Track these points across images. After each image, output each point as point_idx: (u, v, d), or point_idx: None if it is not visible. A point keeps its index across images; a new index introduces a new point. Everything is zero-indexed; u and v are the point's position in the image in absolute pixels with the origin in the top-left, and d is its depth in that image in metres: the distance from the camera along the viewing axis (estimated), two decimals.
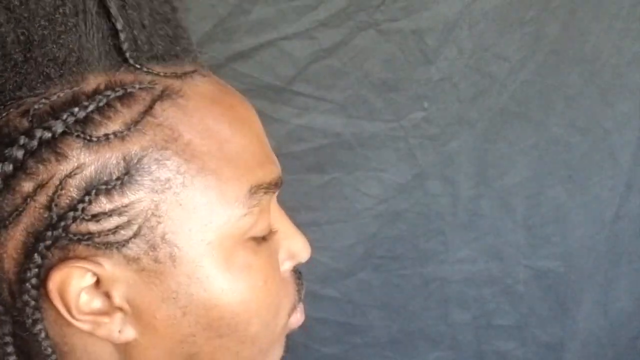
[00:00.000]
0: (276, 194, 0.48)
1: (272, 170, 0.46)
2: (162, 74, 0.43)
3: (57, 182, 0.39)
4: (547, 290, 1.01)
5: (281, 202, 0.94)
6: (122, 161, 0.40)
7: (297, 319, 0.51)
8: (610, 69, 0.86)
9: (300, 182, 0.89)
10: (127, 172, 0.40)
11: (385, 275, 0.98)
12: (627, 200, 0.95)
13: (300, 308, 0.51)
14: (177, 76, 0.44)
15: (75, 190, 0.39)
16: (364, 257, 0.96)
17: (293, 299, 0.50)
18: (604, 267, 1.00)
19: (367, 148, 0.88)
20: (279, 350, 0.50)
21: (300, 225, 0.91)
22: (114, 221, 0.40)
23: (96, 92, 0.40)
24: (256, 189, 0.44)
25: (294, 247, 0.50)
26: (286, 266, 0.50)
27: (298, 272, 0.52)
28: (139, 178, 0.40)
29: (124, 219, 0.40)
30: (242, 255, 0.44)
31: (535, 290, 1.01)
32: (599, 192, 0.94)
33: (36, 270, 0.40)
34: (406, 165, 0.89)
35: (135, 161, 0.40)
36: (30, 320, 0.41)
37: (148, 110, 0.41)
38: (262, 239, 0.46)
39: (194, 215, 0.42)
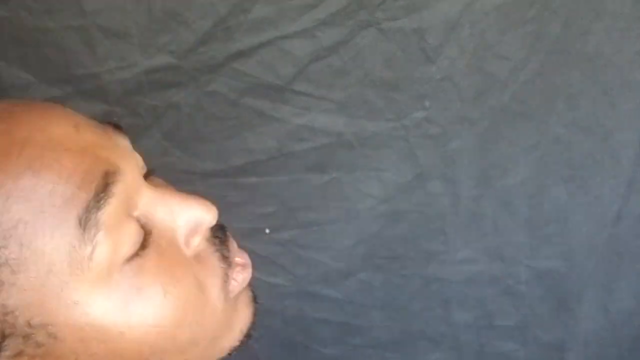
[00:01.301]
0: (125, 187, 0.42)
1: (95, 177, 0.40)
2: None
3: None
4: (549, 290, 1.01)
5: (281, 202, 0.94)
6: None
7: (241, 278, 0.47)
8: (613, 68, 0.86)
9: (300, 181, 0.89)
10: None
11: (386, 275, 0.98)
12: (629, 200, 0.95)
13: (239, 266, 0.47)
14: None
15: None
16: (364, 257, 0.96)
17: (219, 270, 0.45)
18: (606, 267, 1.00)
19: (368, 147, 0.87)
20: (243, 313, 0.48)
21: (301, 226, 0.92)
22: None
23: None
24: (86, 216, 0.39)
25: (192, 218, 0.45)
26: (195, 243, 0.45)
27: (218, 230, 0.47)
28: None
29: None
30: (124, 283, 0.40)
31: (537, 290, 1.01)
32: (601, 192, 0.94)
33: None
34: (407, 164, 0.89)
35: None
36: None
37: None
38: (139, 250, 0.41)
39: (44, 289, 0.38)
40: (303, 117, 0.85)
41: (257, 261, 0.96)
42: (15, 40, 0.79)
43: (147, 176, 0.46)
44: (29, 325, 0.38)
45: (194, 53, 0.79)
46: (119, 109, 0.82)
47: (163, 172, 0.89)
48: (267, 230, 0.92)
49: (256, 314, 0.49)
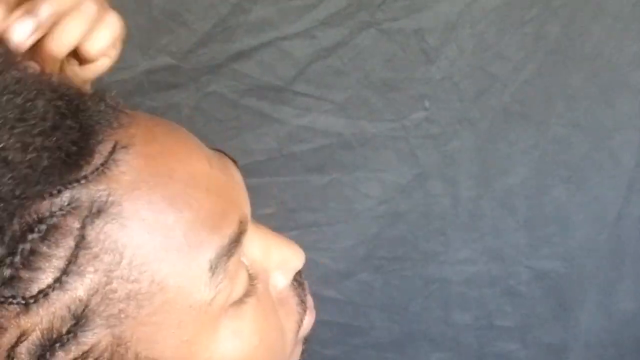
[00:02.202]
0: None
1: (231, 223, 0.40)
2: (81, 181, 0.36)
3: (5, 355, 0.36)
4: (549, 291, 1.01)
5: (281, 203, 0.94)
6: (67, 313, 0.36)
7: (308, 321, 0.47)
8: (612, 68, 0.86)
9: (300, 182, 0.89)
10: (77, 322, 0.36)
11: (386, 276, 0.98)
12: (628, 200, 0.95)
13: (309, 309, 0.47)
14: (97, 173, 0.37)
15: (28, 356, 0.36)
16: (364, 258, 0.96)
17: (297, 316, 0.45)
18: (606, 268, 1.00)
19: (368, 148, 0.88)
20: (297, 351, 0.47)
21: (301, 227, 0.92)
22: None
23: (13, 239, 0.34)
24: (217, 262, 0.38)
25: (282, 259, 0.44)
26: (282, 285, 0.45)
27: (296, 276, 0.47)
28: (90, 323, 0.36)
29: None
30: (226, 326, 0.40)
31: (537, 291, 1.01)
32: (600, 192, 0.94)
33: None
34: (407, 165, 0.89)
35: (82, 309, 0.36)
36: None
37: (80, 242, 0.36)
38: (244, 297, 0.41)
39: (160, 325, 0.38)
40: (303, 118, 0.85)
41: None
42: None
43: None
44: (137, 357, 0.38)
45: (194, 54, 0.79)
46: None
47: None
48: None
49: (305, 352, 0.48)
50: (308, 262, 0.96)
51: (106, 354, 0.37)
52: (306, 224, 0.92)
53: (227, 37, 0.79)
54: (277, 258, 0.44)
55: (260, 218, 0.93)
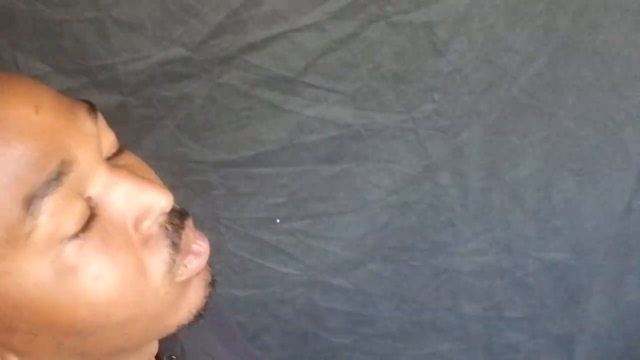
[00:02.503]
0: (78, 175, 0.43)
1: (49, 162, 0.41)
2: None
3: None
4: (558, 282, 1.01)
5: (291, 193, 0.95)
6: None
7: (194, 265, 0.47)
8: (621, 61, 0.86)
9: (311, 172, 0.90)
10: None
11: (395, 266, 0.98)
12: (638, 192, 0.95)
13: (193, 254, 0.47)
14: None
15: None
16: (374, 247, 0.96)
17: (165, 256, 0.45)
18: (614, 260, 1.00)
19: (378, 139, 0.88)
20: (193, 295, 0.48)
21: (311, 216, 0.93)
22: None
23: None
24: (30, 200, 0.40)
25: (144, 202, 0.45)
26: (145, 226, 0.45)
27: (175, 217, 0.47)
28: None
29: None
30: (61, 261, 0.42)
31: (546, 282, 1.01)
32: (609, 185, 0.94)
33: None
34: (416, 156, 0.90)
35: None
36: None
37: None
38: (80, 232, 0.42)
39: None
40: (313, 109, 0.85)
41: (268, 251, 0.98)
42: (33, 33, 0.80)
43: (117, 154, 0.47)
44: None
45: (207, 45, 0.80)
46: (133, 100, 0.83)
47: (175, 162, 0.90)
48: (278, 220, 0.93)
49: (210, 296, 0.49)
50: (318, 251, 0.98)
51: None
52: (316, 214, 0.93)
53: (239, 29, 0.80)
54: (137, 200, 0.45)
55: (271, 207, 0.94)
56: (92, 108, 0.45)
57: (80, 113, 0.45)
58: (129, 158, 0.48)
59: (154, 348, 0.53)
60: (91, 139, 0.44)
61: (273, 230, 0.93)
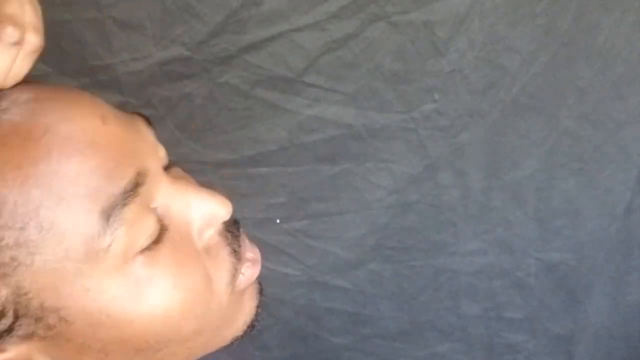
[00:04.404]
0: (150, 184, 0.43)
1: (125, 173, 0.41)
2: None
3: None
4: (558, 282, 1.01)
5: (291, 193, 0.95)
6: None
7: (250, 273, 0.47)
8: (622, 61, 0.86)
9: (311, 172, 0.90)
10: None
11: (395, 266, 0.98)
12: (638, 193, 0.95)
13: (249, 261, 0.47)
14: None
15: None
16: (374, 247, 0.96)
17: (229, 264, 0.46)
18: (615, 260, 1.00)
19: (378, 139, 0.88)
20: (248, 305, 0.48)
21: (311, 216, 0.93)
22: None
23: None
24: (110, 210, 0.40)
25: (206, 212, 0.45)
26: (207, 236, 0.45)
27: (231, 225, 0.47)
28: None
29: None
30: (137, 274, 0.41)
31: (546, 282, 1.01)
32: (610, 185, 0.94)
33: None
34: (417, 156, 0.90)
35: None
36: None
37: None
38: (154, 244, 0.42)
39: (59, 273, 0.39)
40: (313, 108, 0.85)
41: (268, 251, 0.98)
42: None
43: (168, 167, 0.46)
44: (42, 307, 0.39)
45: (207, 45, 0.80)
46: (133, 100, 0.83)
47: (175, 162, 0.90)
48: (278, 220, 0.93)
49: (261, 306, 0.49)
50: (318, 251, 0.98)
51: (9, 305, 0.39)
52: (316, 214, 0.93)
53: (239, 28, 0.80)
54: (199, 210, 0.45)
55: (271, 207, 0.94)
56: (148, 120, 0.45)
57: (140, 124, 0.45)
58: (178, 171, 0.47)
59: None
60: (154, 149, 0.45)
61: (273, 230, 0.93)
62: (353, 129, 0.87)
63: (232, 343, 0.48)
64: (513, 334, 1.05)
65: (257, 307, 0.49)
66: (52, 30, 0.79)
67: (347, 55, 0.82)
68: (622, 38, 0.85)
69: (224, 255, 0.46)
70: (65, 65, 0.82)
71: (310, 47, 0.81)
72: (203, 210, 0.45)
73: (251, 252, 0.48)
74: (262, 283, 0.49)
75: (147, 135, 0.45)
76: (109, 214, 0.40)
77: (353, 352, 1.04)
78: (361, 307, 1.00)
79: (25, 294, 0.39)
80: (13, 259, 0.38)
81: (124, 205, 0.40)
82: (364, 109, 0.86)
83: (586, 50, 0.85)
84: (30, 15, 0.41)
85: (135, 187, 0.41)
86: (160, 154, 0.46)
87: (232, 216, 0.47)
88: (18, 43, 0.40)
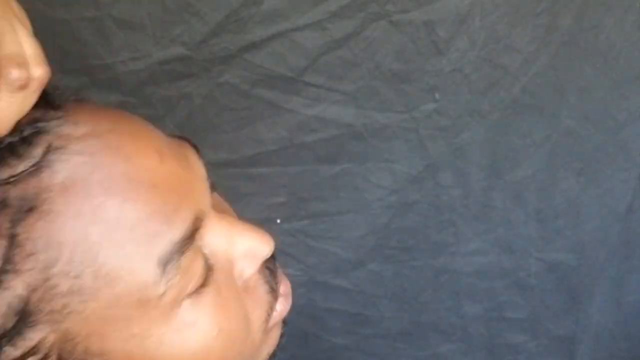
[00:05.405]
0: (204, 227, 0.41)
1: (184, 218, 0.40)
2: (10, 180, 0.36)
3: None
4: (559, 283, 1.01)
5: (292, 192, 0.95)
6: (9, 310, 0.37)
7: (282, 309, 0.46)
8: (624, 61, 0.86)
9: (311, 172, 0.89)
10: (20, 319, 0.37)
11: (396, 266, 0.98)
12: None
13: (282, 296, 0.47)
14: (28, 173, 0.36)
15: None
16: (374, 247, 0.96)
17: (265, 304, 0.45)
18: (616, 260, 1.00)
19: (378, 139, 0.88)
20: (273, 339, 0.47)
21: (311, 216, 0.93)
22: None
23: None
24: (168, 258, 0.38)
25: (249, 249, 0.44)
26: (248, 274, 0.44)
27: (268, 261, 0.46)
28: (34, 319, 0.37)
29: (38, 356, 0.38)
30: (181, 317, 0.40)
31: (547, 283, 1.01)
32: (611, 185, 0.94)
33: None
34: (417, 156, 0.90)
35: (23, 305, 0.37)
36: None
37: (12, 241, 0.36)
38: (201, 287, 0.41)
39: (108, 320, 0.38)
40: (314, 108, 0.85)
41: None
42: (32, 32, 0.80)
43: (212, 190, 0.45)
44: (86, 352, 0.39)
45: (206, 44, 0.80)
46: (133, 100, 0.83)
47: None
48: (278, 220, 0.92)
49: (283, 336, 0.48)
50: (319, 251, 0.97)
51: (54, 349, 0.38)
52: (316, 214, 0.93)
53: (239, 28, 0.80)
54: (242, 247, 0.44)
55: (271, 207, 0.94)
56: (196, 147, 0.44)
57: (190, 155, 0.43)
58: (218, 197, 0.46)
59: None
60: (206, 185, 0.43)
61: (273, 230, 0.92)
62: (353, 129, 0.87)
63: None
64: (514, 334, 1.05)
65: (281, 337, 0.48)
66: (52, 29, 0.79)
67: (347, 55, 0.82)
68: (624, 37, 0.85)
69: (262, 294, 0.45)
70: (64, 65, 0.81)
71: (311, 47, 0.81)
72: (246, 248, 0.44)
73: (284, 286, 0.47)
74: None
75: (198, 169, 0.43)
76: (166, 261, 0.38)
77: (353, 352, 1.04)
78: (361, 307, 1.00)
79: (73, 339, 0.38)
80: (65, 306, 0.37)
81: (182, 252, 0.39)
82: (365, 109, 0.86)
83: (587, 50, 0.85)
84: (30, 47, 0.38)
85: (193, 234, 0.40)
86: (208, 184, 0.44)
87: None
88: (25, 85, 0.36)
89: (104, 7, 0.78)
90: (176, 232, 0.39)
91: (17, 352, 0.37)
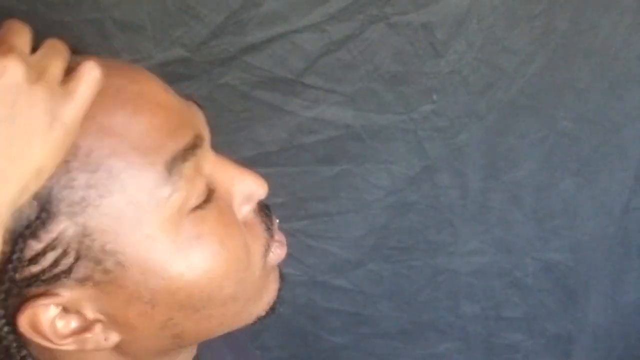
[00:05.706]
0: (202, 150, 0.46)
1: (185, 134, 0.44)
2: None
3: None
4: (556, 282, 1.02)
5: (291, 193, 0.95)
6: (33, 200, 0.40)
7: (278, 253, 0.50)
8: (620, 62, 0.87)
9: (310, 173, 0.90)
10: (43, 209, 0.40)
11: (395, 266, 0.98)
12: (636, 193, 0.95)
13: (278, 242, 0.50)
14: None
15: (2, 244, 0.39)
16: (374, 248, 0.97)
17: (263, 239, 0.49)
18: (613, 260, 1.00)
19: (377, 140, 0.88)
20: (272, 286, 0.51)
21: (311, 216, 0.93)
22: (50, 257, 0.41)
23: None
24: (172, 163, 0.43)
25: (246, 189, 0.48)
26: (245, 210, 0.48)
27: (264, 207, 0.51)
28: (55, 209, 0.41)
29: (59, 251, 0.41)
30: (188, 230, 0.44)
31: (544, 282, 1.01)
32: (608, 185, 0.95)
33: (3, 320, 0.42)
34: (415, 157, 0.90)
35: (46, 194, 0.40)
36: (19, 357, 0.43)
37: None
38: (204, 203, 0.45)
39: (123, 217, 0.42)
40: (313, 109, 0.85)
41: None
42: (34, 34, 0.80)
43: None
44: (103, 250, 0.42)
45: (207, 46, 0.80)
46: None
47: None
48: (277, 221, 0.93)
49: (281, 290, 0.52)
50: (318, 251, 0.98)
51: (73, 244, 0.41)
52: (316, 214, 0.93)
53: (239, 30, 0.80)
54: (241, 185, 0.48)
55: (271, 207, 0.94)
56: (199, 105, 0.49)
57: (192, 103, 0.49)
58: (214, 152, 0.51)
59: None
60: (205, 122, 0.48)
61: None
62: (352, 130, 0.87)
63: (256, 322, 0.50)
64: (511, 334, 1.06)
65: (279, 290, 0.51)
66: (53, 31, 0.79)
67: (346, 57, 0.82)
68: (620, 39, 0.85)
69: (259, 231, 0.49)
70: None
71: (310, 49, 0.82)
72: (243, 186, 0.48)
73: (279, 235, 0.51)
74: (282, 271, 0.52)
75: (199, 113, 0.48)
76: (171, 167, 0.43)
77: (353, 352, 1.04)
78: (361, 306, 1.01)
79: (90, 234, 0.41)
80: (83, 199, 0.41)
81: (184, 161, 0.43)
82: (363, 110, 0.86)
83: (584, 51, 0.86)
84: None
85: (193, 147, 0.44)
86: (208, 128, 0.49)
87: (264, 200, 0.50)
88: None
89: (105, 9, 0.78)
90: (179, 143, 0.44)
91: (39, 246, 0.41)
